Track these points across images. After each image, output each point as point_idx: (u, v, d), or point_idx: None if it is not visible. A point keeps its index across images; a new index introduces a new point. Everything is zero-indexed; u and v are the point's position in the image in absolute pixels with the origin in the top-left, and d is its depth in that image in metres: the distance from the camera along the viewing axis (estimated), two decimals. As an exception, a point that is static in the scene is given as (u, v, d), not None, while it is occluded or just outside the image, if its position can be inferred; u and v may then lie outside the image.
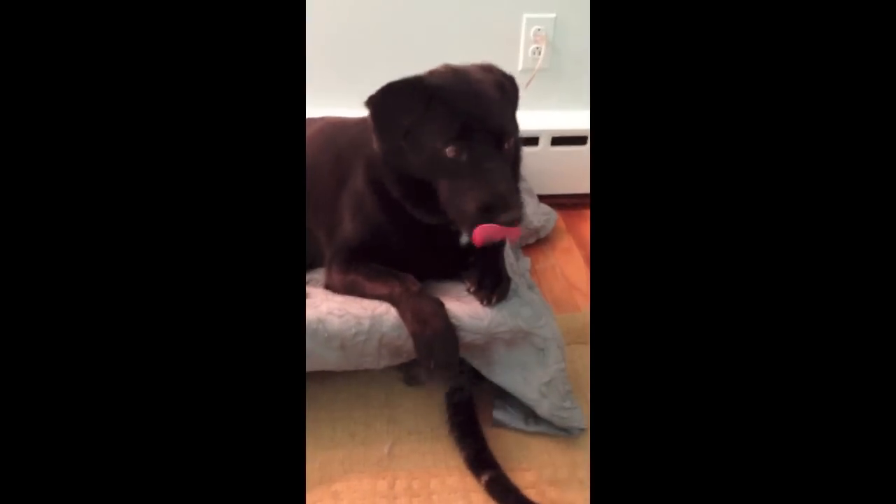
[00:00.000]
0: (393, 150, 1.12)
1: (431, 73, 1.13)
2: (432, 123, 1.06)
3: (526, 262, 1.65)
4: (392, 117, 1.09)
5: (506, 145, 1.08)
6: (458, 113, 1.05)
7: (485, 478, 1.15)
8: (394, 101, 1.09)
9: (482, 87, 1.11)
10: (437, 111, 1.06)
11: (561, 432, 1.24)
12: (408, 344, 1.17)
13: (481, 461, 1.18)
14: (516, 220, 1.02)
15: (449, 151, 1.04)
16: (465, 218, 1.06)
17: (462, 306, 1.18)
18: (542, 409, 1.20)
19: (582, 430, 1.24)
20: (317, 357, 1.17)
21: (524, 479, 1.17)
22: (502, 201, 1.01)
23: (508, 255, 1.42)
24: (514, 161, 1.19)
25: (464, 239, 1.24)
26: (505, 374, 1.22)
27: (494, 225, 1.02)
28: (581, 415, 1.24)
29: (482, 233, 1.03)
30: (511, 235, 1.07)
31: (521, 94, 1.22)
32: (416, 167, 1.10)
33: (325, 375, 1.26)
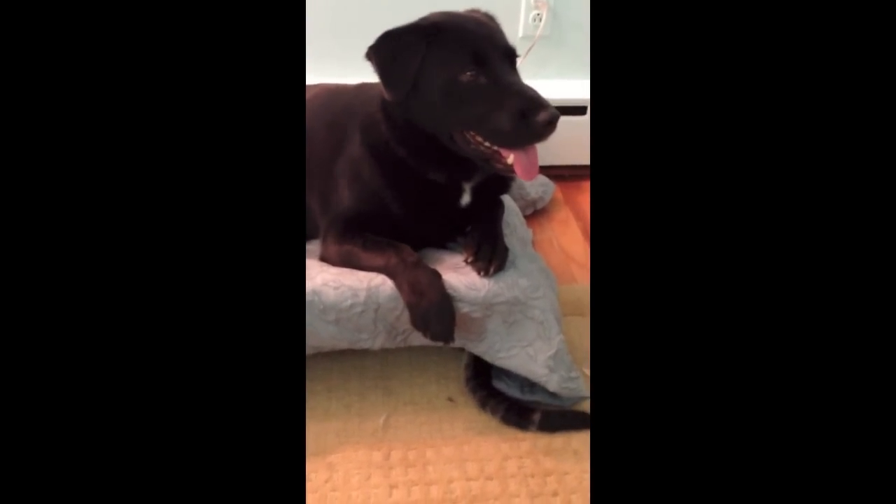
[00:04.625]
0: (401, 102, 1.11)
1: (423, 19, 1.12)
2: (442, 56, 1.05)
3: (528, 233, 1.64)
4: (397, 61, 1.07)
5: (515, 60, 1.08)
6: (466, 39, 1.06)
7: (536, 417, 1.19)
8: (395, 44, 1.07)
9: (479, 17, 1.12)
10: (443, 44, 1.06)
11: (556, 402, 1.25)
12: (404, 317, 1.16)
13: (522, 410, 1.21)
14: (556, 117, 1.01)
15: (466, 77, 1.04)
16: (503, 135, 1.04)
17: (459, 277, 1.17)
18: (552, 383, 1.19)
19: (586, 398, 1.24)
20: (312, 331, 1.16)
21: (520, 448, 1.18)
22: (535, 103, 1.01)
23: (517, 224, 1.41)
24: None
25: (465, 199, 1.22)
26: (510, 356, 1.21)
27: (532, 149, 1.05)
28: (584, 384, 1.24)
29: (525, 161, 1.05)
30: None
31: (520, 62, 1.20)
32: (427, 114, 1.09)
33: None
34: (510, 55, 1.10)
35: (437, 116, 1.09)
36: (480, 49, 1.05)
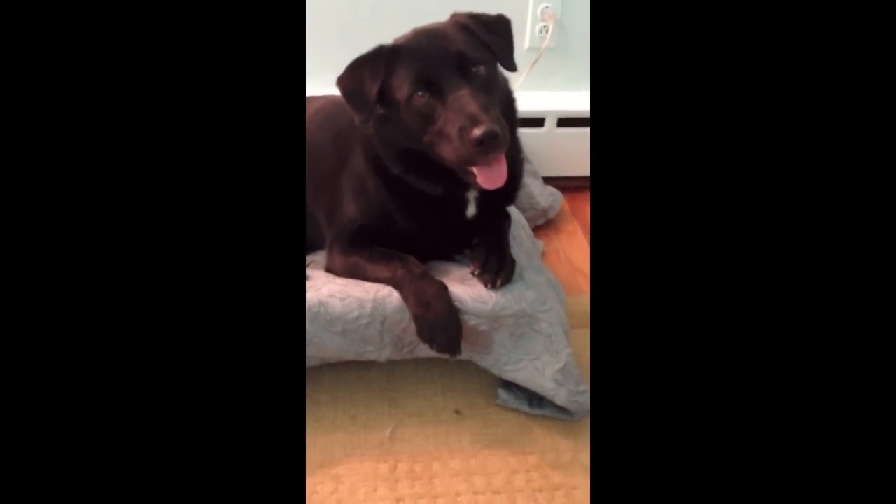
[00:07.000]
0: (378, 123, 1.13)
1: (396, 39, 1.13)
2: (398, 79, 1.07)
3: (539, 245, 1.63)
4: (360, 88, 1.09)
5: (474, 70, 1.07)
6: (416, 61, 1.07)
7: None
8: (359, 72, 1.09)
9: (440, 31, 1.12)
10: (399, 68, 1.08)
11: (564, 416, 1.24)
12: (410, 329, 1.15)
13: None
14: (491, 134, 0.98)
15: (417, 98, 1.05)
16: (453, 154, 1.04)
17: (466, 289, 1.17)
18: (560, 397, 1.18)
19: None
20: (318, 342, 1.16)
21: (527, 462, 1.17)
22: (471, 119, 1.00)
23: (523, 237, 1.40)
24: (506, 103, 1.17)
25: (470, 210, 1.22)
26: (517, 369, 1.20)
27: (497, 158, 1.03)
28: (594, 398, 1.23)
29: (486, 170, 1.04)
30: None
31: (526, 73, 1.20)
32: (402, 135, 1.11)
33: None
34: (462, 64, 1.06)
35: (411, 135, 1.10)
36: (428, 69, 1.05)
